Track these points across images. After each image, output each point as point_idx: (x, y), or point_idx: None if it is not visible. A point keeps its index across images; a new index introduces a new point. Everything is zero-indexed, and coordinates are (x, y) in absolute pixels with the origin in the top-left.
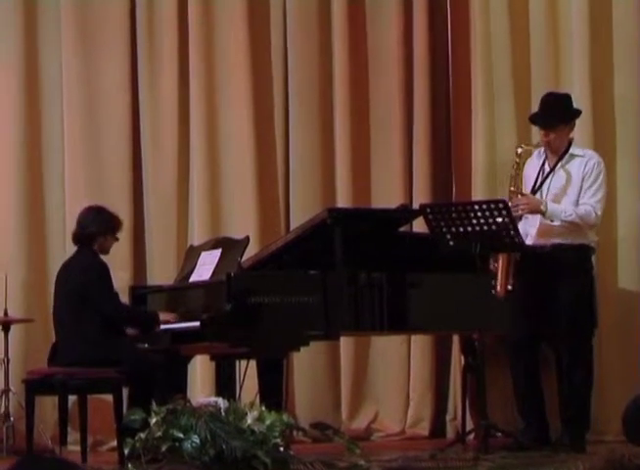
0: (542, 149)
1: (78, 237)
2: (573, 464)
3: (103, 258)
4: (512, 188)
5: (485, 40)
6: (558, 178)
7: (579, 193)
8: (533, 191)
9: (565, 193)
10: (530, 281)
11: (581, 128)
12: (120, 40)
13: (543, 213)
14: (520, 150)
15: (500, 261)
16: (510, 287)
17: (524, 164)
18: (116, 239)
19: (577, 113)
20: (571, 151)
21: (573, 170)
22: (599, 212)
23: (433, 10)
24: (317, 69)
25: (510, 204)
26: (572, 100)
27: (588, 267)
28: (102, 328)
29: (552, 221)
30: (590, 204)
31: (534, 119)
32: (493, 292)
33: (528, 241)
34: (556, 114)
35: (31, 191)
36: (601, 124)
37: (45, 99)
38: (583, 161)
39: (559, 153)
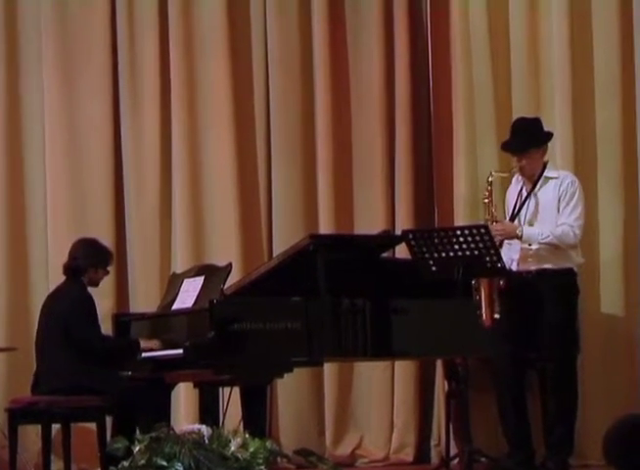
0: (519, 175)
1: (68, 268)
2: None
3: (91, 290)
4: (487, 216)
5: (467, 65)
6: (534, 203)
7: (557, 214)
8: (512, 217)
9: (541, 216)
10: (515, 306)
11: (562, 151)
12: (102, 70)
13: (519, 238)
14: (491, 178)
15: (482, 291)
16: (497, 315)
17: (502, 190)
18: (107, 272)
19: (549, 136)
20: (545, 174)
21: (549, 193)
22: (577, 231)
23: (413, 37)
24: (299, 96)
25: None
26: (543, 123)
27: (574, 292)
28: (84, 357)
29: (530, 245)
30: (568, 223)
31: (506, 146)
32: (480, 322)
33: (513, 267)
34: (526, 138)
35: (13, 220)
36: (582, 147)
37: (26, 131)
38: (557, 182)
39: (534, 178)
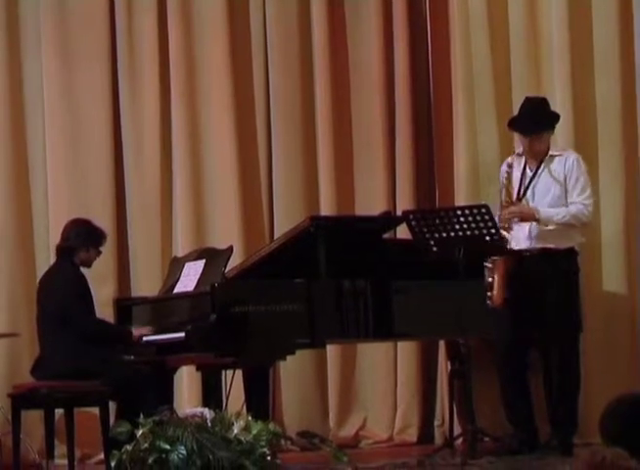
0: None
1: (60, 249)
2: (561, 467)
3: (85, 271)
4: (507, 198)
5: (466, 47)
6: (541, 181)
7: (565, 192)
8: (519, 197)
9: (549, 194)
10: (517, 286)
11: (563, 130)
12: (101, 51)
13: (538, 220)
14: (510, 160)
15: (497, 272)
16: (507, 296)
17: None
18: (99, 252)
19: (557, 117)
20: (550, 152)
21: (554, 171)
22: (590, 209)
23: (412, 22)
24: (299, 80)
25: (504, 214)
26: (550, 103)
27: (575, 270)
28: (85, 340)
29: (546, 226)
30: (580, 202)
31: (515, 125)
32: (489, 302)
33: (517, 246)
34: (539, 120)
35: (15, 204)
36: (582, 126)
37: (27, 113)
38: (562, 159)
39: (539, 156)
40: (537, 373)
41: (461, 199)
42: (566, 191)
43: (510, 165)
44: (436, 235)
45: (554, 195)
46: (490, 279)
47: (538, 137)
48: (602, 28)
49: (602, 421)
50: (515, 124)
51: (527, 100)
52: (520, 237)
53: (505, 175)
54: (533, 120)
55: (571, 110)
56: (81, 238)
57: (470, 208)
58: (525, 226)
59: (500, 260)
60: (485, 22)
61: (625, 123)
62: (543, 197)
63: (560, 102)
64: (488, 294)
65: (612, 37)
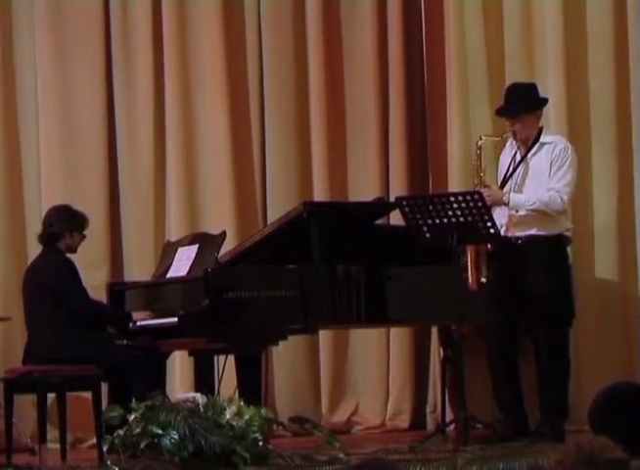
0: (513, 140)
1: (44, 237)
2: (552, 454)
3: (77, 256)
4: (475, 181)
5: (460, 34)
6: (527, 168)
7: (547, 179)
8: (503, 182)
9: (532, 181)
10: (507, 272)
11: (556, 116)
12: (95, 41)
13: (506, 205)
14: (480, 142)
15: (469, 255)
16: (484, 279)
17: (496, 155)
18: (83, 236)
19: (543, 101)
20: (541, 139)
21: (542, 158)
22: (565, 197)
23: (407, 10)
24: (293, 67)
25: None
26: (538, 89)
27: (563, 257)
28: (77, 324)
29: (517, 212)
30: (556, 189)
31: (500, 111)
32: (466, 285)
33: (502, 232)
34: (519, 103)
35: (8, 190)
36: (576, 112)
37: (20, 100)
38: (550, 147)
39: (528, 142)
40: (529, 359)
41: (454, 185)
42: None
43: (478, 146)
44: (429, 221)
45: (534, 183)
46: (464, 261)
47: (521, 121)
48: (596, 17)
49: (591, 411)
50: (498, 110)
51: (512, 85)
52: (503, 223)
53: (476, 157)
54: (513, 104)
55: (564, 97)
56: (64, 223)
57: (463, 194)
58: (506, 211)
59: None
60: (480, 9)
61: (619, 110)
62: (523, 184)
63: (553, 89)
64: (464, 276)
65: (606, 24)
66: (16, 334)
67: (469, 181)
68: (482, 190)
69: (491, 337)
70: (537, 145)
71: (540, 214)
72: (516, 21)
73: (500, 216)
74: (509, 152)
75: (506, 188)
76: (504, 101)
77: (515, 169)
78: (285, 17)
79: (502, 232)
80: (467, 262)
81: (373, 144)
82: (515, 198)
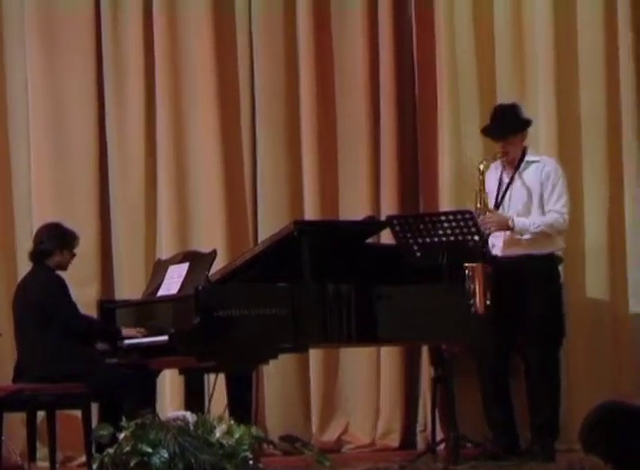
0: (499, 161)
1: (34, 254)
2: None
3: (68, 273)
4: (478, 205)
5: (451, 50)
6: (517, 189)
7: (540, 200)
8: (496, 205)
9: (526, 202)
10: (498, 291)
11: (547, 135)
12: (85, 50)
13: (512, 229)
14: (482, 166)
15: (477, 279)
16: (488, 302)
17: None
18: (73, 254)
19: (528, 122)
20: (526, 158)
21: (530, 178)
22: (566, 217)
23: (398, 24)
24: (284, 80)
25: (482, 221)
26: (523, 109)
27: (556, 276)
28: (67, 341)
29: (522, 235)
30: (556, 210)
31: (486, 132)
32: (473, 310)
33: (495, 252)
34: (507, 124)
35: None
36: (566, 131)
37: (11, 111)
38: (539, 166)
39: (514, 163)
40: (520, 379)
41: (445, 204)
42: (541, 198)
43: (481, 171)
44: (420, 240)
45: (524, 203)
46: (472, 286)
47: (508, 142)
48: (587, 33)
49: (582, 430)
50: (485, 131)
51: (498, 106)
52: (497, 244)
53: (479, 182)
54: (500, 126)
55: (555, 116)
56: (55, 241)
57: (454, 213)
58: (502, 233)
59: (478, 266)
60: (471, 25)
61: (610, 130)
62: (515, 205)
63: (543, 105)
64: (471, 301)
65: (597, 43)
66: (6, 351)
67: (459, 200)
68: (487, 215)
69: (482, 356)
70: (524, 163)
71: (537, 236)
72: (507, 39)
73: (492, 237)
74: (494, 173)
75: (507, 214)
76: (491, 122)
77: (505, 191)
78: (276, 30)
79: (495, 252)
80: (475, 287)
81: (364, 157)
82: (519, 223)
